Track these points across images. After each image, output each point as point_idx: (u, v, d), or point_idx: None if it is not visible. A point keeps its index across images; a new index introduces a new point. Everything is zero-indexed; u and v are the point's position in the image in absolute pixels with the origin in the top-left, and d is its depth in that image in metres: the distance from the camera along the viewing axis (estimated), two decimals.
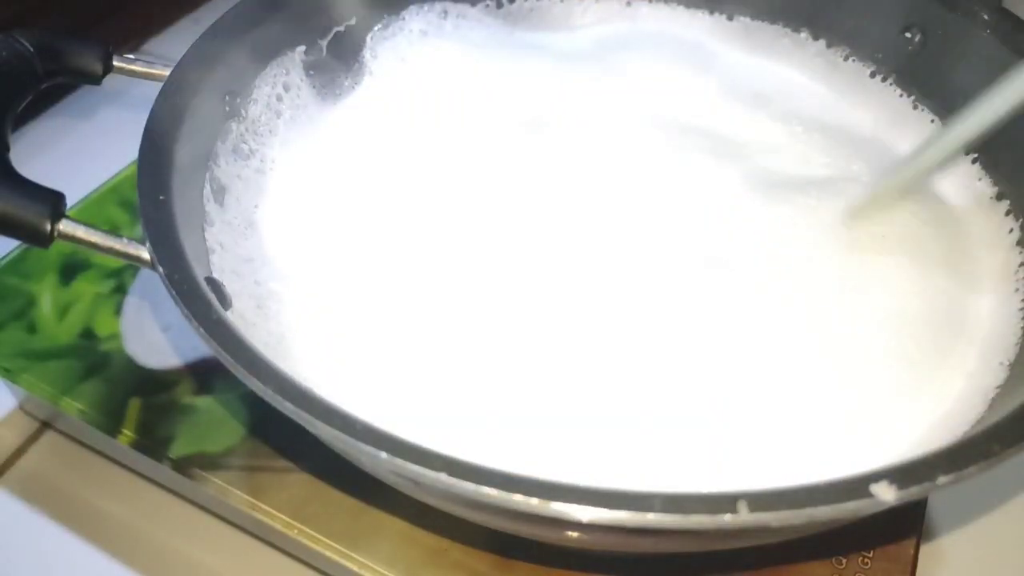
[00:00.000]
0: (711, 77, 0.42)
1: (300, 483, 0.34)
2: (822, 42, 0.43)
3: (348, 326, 0.32)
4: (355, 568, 0.32)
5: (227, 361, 0.25)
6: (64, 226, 0.28)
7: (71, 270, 0.41)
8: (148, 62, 0.35)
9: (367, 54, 0.42)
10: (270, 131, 0.38)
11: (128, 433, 0.36)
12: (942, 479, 0.22)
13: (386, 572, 0.32)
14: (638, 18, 0.46)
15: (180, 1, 0.65)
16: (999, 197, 0.36)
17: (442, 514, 0.28)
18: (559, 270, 0.33)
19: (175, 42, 0.62)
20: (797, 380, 0.31)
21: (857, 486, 0.22)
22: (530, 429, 0.29)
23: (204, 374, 0.37)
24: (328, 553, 0.32)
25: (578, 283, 0.33)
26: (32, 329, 0.39)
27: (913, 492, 0.22)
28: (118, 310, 0.40)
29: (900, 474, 0.22)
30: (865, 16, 0.41)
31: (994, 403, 0.29)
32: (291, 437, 0.35)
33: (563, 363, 0.31)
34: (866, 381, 0.31)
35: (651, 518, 0.21)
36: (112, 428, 0.36)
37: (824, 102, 0.42)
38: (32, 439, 0.40)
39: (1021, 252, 0.34)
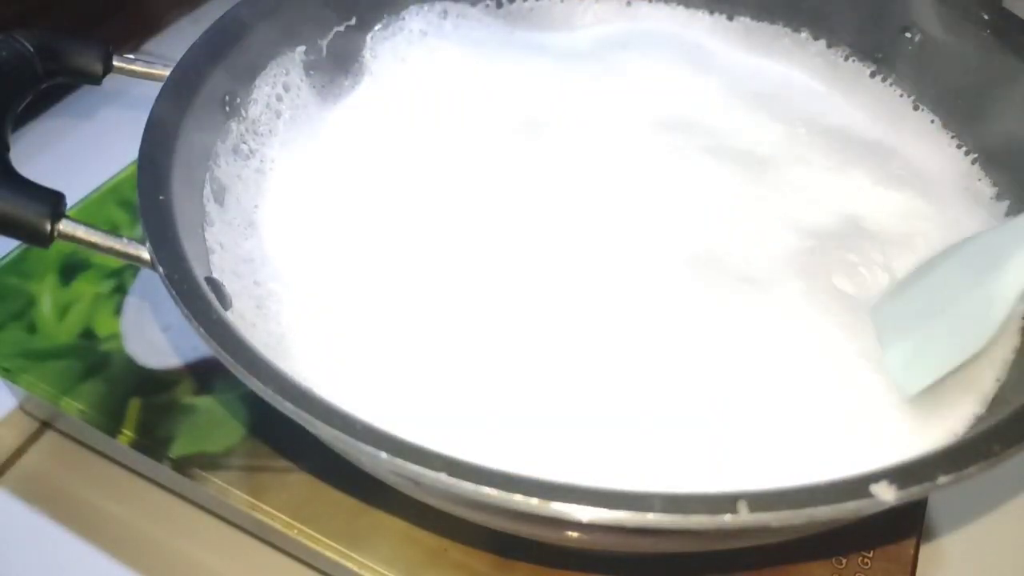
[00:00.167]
0: (711, 77, 0.42)
1: (300, 483, 0.34)
2: (822, 42, 0.43)
3: (348, 326, 0.32)
4: (355, 568, 0.32)
5: (227, 361, 0.25)
6: (64, 226, 0.28)
7: (71, 270, 0.41)
8: (148, 62, 0.35)
9: (367, 54, 0.42)
10: (270, 131, 0.38)
11: (128, 433, 0.36)
12: (942, 479, 0.22)
13: (386, 572, 0.32)
14: (638, 18, 0.46)
15: (180, 1, 0.65)
16: (999, 197, 0.36)
17: (442, 514, 0.28)
18: (559, 269, 0.33)
19: (175, 42, 0.62)
20: (797, 379, 0.31)
21: (857, 486, 0.22)
22: (530, 429, 0.29)
23: (204, 374, 0.37)
24: (328, 553, 0.32)
25: (578, 282, 0.33)
26: (32, 329, 0.39)
27: (913, 492, 0.22)
28: (118, 310, 0.40)
29: (900, 474, 0.22)
30: (865, 16, 0.41)
31: (994, 403, 0.29)
32: (291, 437, 0.35)
33: (563, 363, 0.31)
34: (866, 381, 0.31)
35: (651, 518, 0.21)
36: (112, 428, 0.36)
37: (824, 102, 0.42)
38: (32, 439, 0.40)
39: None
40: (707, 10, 0.45)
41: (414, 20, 0.43)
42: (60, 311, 0.40)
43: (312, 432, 0.24)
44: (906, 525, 0.33)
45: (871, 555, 0.32)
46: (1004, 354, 0.31)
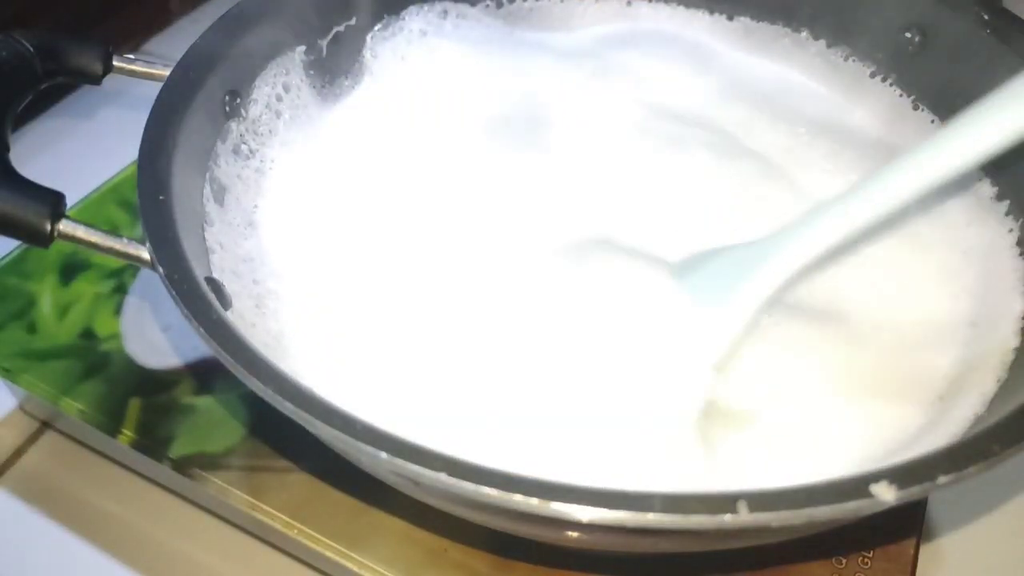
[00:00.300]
0: (712, 77, 0.42)
1: (300, 483, 0.34)
2: (822, 42, 0.43)
3: (348, 326, 0.32)
4: (355, 568, 0.32)
5: (227, 361, 0.25)
6: (64, 226, 0.28)
7: (71, 270, 0.41)
8: (148, 62, 0.35)
9: (367, 54, 0.42)
10: (270, 131, 0.38)
11: (128, 433, 0.36)
12: (942, 479, 0.22)
13: (386, 572, 0.32)
14: (638, 18, 0.46)
15: (180, 1, 0.65)
16: (999, 197, 0.36)
17: (442, 514, 0.28)
18: (560, 268, 0.33)
19: (175, 42, 0.62)
20: (797, 379, 0.31)
21: (857, 486, 0.22)
22: (530, 429, 0.29)
23: (204, 374, 0.37)
24: (328, 553, 0.32)
25: (579, 282, 0.33)
26: (32, 329, 0.39)
27: (913, 492, 0.22)
28: (118, 310, 0.40)
29: (900, 474, 0.22)
30: (865, 16, 0.41)
31: (994, 403, 0.29)
32: (291, 437, 0.35)
33: (563, 363, 0.31)
34: (865, 381, 0.31)
35: (651, 518, 0.21)
36: (112, 428, 0.36)
37: (824, 103, 0.42)
38: (32, 439, 0.40)
39: (1021, 252, 0.34)
40: (707, 10, 0.45)
41: (414, 20, 0.43)
42: (60, 311, 0.40)
43: (312, 432, 0.24)
44: (906, 525, 0.33)
45: (871, 555, 0.32)
46: (1004, 354, 0.31)
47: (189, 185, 0.32)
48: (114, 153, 0.44)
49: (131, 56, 0.35)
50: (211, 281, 0.30)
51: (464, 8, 0.44)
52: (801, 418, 0.30)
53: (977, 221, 0.36)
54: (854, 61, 0.42)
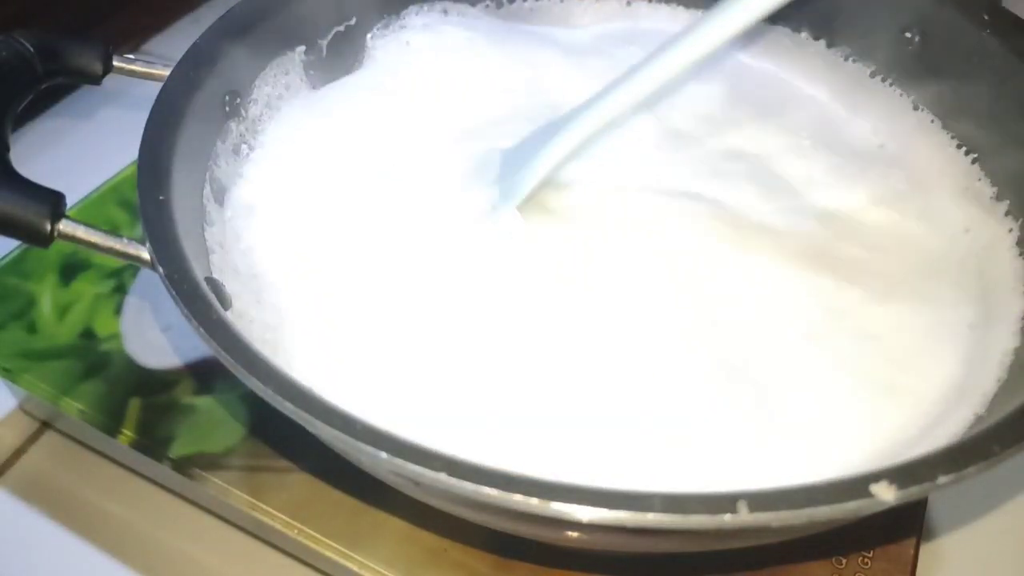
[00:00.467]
0: (713, 76, 0.42)
1: (300, 483, 0.34)
2: (822, 42, 0.43)
3: (348, 325, 0.32)
4: (355, 568, 0.32)
5: (227, 361, 0.25)
6: (64, 226, 0.28)
7: (71, 270, 0.41)
8: (148, 62, 0.35)
9: (367, 54, 0.42)
10: (270, 131, 0.38)
11: (128, 433, 0.36)
12: (942, 479, 0.22)
13: (386, 572, 0.32)
14: (639, 18, 0.46)
15: (180, 1, 0.65)
16: (999, 197, 0.36)
17: (442, 514, 0.28)
18: (561, 268, 0.33)
19: (175, 42, 0.62)
20: (797, 380, 0.31)
21: (857, 486, 0.22)
22: (530, 429, 0.29)
23: (204, 374, 0.37)
24: (328, 553, 0.32)
25: (579, 281, 0.33)
26: (32, 329, 0.39)
27: (913, 492, 0.22)
28: (118, 310, 0.40)
29: (900, 474, 0.22)
30: (865, 16, 0.41)
31: (994, 403, 0.29)
32: (291, 437, 0.35)
33: (563, 362, 0.31)
34: (865, 382, 0.31)
35: (651, 518, 0.21)
36: (112, 428, 0.36)
37: (824, 103, 0.42)
38: (32, 439, 0.40)
39: (1021, 252, 0.34)
40: (707, 10, 0.45)
41: (414, 20, 0.43)
42: (60, 311, 0.40)
43: (312, 432, 0.24)
44: (906, 525, 0.33)
45: (871, 555, 0.32)
46: (1004, 354, 0.31)
47: (189, 185, 0.32)
48: (114, 153, 0.44)
49: (131, 56, 0.35)
50: (211, 281, 0.30)
51: (464, 8, 0.44)
52: (799, 418, 0.30)
53: (977, 221, 0.36)
54: (854, 61, 0.42)
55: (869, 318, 0.33)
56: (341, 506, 0.33)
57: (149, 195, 0.29)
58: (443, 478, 0.22)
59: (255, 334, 0.30)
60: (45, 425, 0.40)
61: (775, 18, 0.44)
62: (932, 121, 0.39)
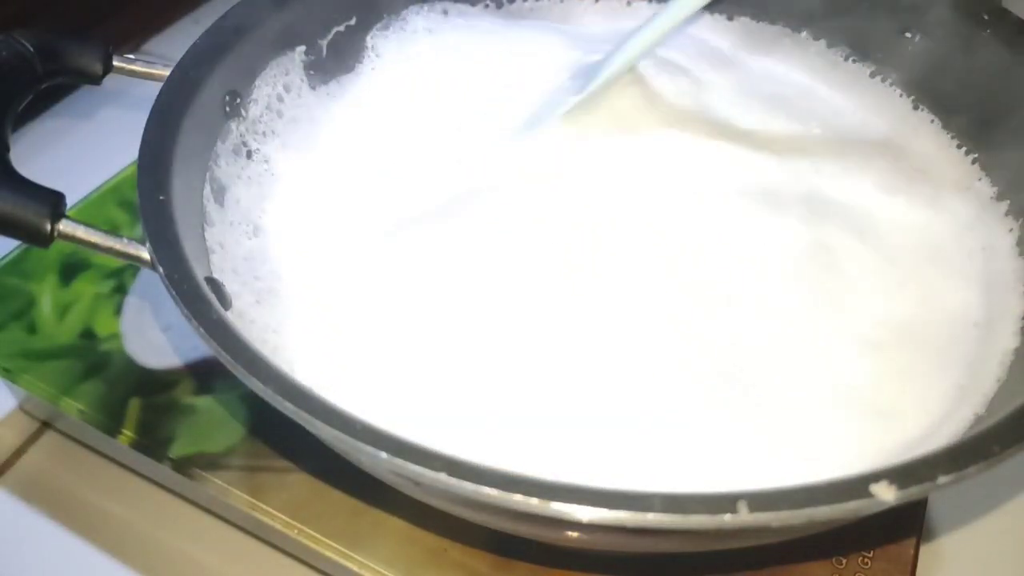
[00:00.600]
0: (713, 75, 0.42)
1: (300, 483, 0.34)
2: (822, 42, 0.43)
3: (348, 326, 0.32)
4: (355, 568, 0.32)
5: (227, 361, 0.25)
6: (64, 226, 0.28)
7: (71, 270, 0.41)
8: (148, 62, 0.35)
9: (367, 54, 0.42)
10: (270, 131, 0.38)
11: (128, 433, 0.36)
12: (942, 479, 0.22)
13: (386, 572, 0.32)
14: (638, 18, 0.46)
15: (180, 1, 0.65)
16: (999, 197, 0.36)
17: (442, 514, 0.28)
18: (561, 268, 0.33)
19: (175, 42, 0.62)
20: (796, 381, 0.31)
21: (857, 486, 0.22)
22: (530, 429, 0.29)
23: (204, 374, 0.37)
24: (328, 553, 0.32)
25: (580, 281, 0.33)
26: (32, 329, 0.39)
27: (913, 492, 0.22)
28: (118, 310, 0.40)
29: (900, 474, 0.22)
30: (865, 16, 0.41)
31: (994, 403, 0.29)
32: (291, 437, 0.35)
33: (563, 362, 0.31)
34: (865, 383, 0.31)
35: (651, 518, 0.21)
36: (112, 428, 0.36)
37: (824, 103, 0.42)
38: (32, 439, 0.40)
39: (1021, 252, 0.34)
40: (707, 10, 0.45)
41: (414, 19, 0.43)
42: (60, 311, 0.40)
43: (312, 432, 0.24)
44: (906, 525, 0.33)
45: (871, 555, 0.32)
46: (1004, 354, 0.31)
47: (189, 185, 0.32)
48: (114, 153, 0.44)
49: (131, 56, 0.35)
50: (211, 281, 0.30)
51: (464, 8, 0.44)
52: (801, 418, 0.30)
53: (977, 221, 0.36)
54: (854, 61, 0.42)
55: (875, 314, 0.32)
56: (341, 506, 0.33)
57: (149, 195, 0.29)
58: (443, 478, 0.22)
59: (255, 334, 0.30)
60: (45, 425, 0.40)
61: (776, 17, 0.44)
62: (932, 121, 0.39)
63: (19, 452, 0.39)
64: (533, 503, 0.21)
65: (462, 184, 0.37)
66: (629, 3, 0.46)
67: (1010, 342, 0.31)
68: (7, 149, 0.30)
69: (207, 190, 0.34)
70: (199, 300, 0.27)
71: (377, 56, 0.42)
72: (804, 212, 0.36)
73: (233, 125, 0.36)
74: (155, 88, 0.33)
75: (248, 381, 0.24)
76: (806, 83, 0.43)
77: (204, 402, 0.37)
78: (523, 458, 0.25)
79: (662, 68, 0.41)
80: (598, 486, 0.22)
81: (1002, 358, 0.31)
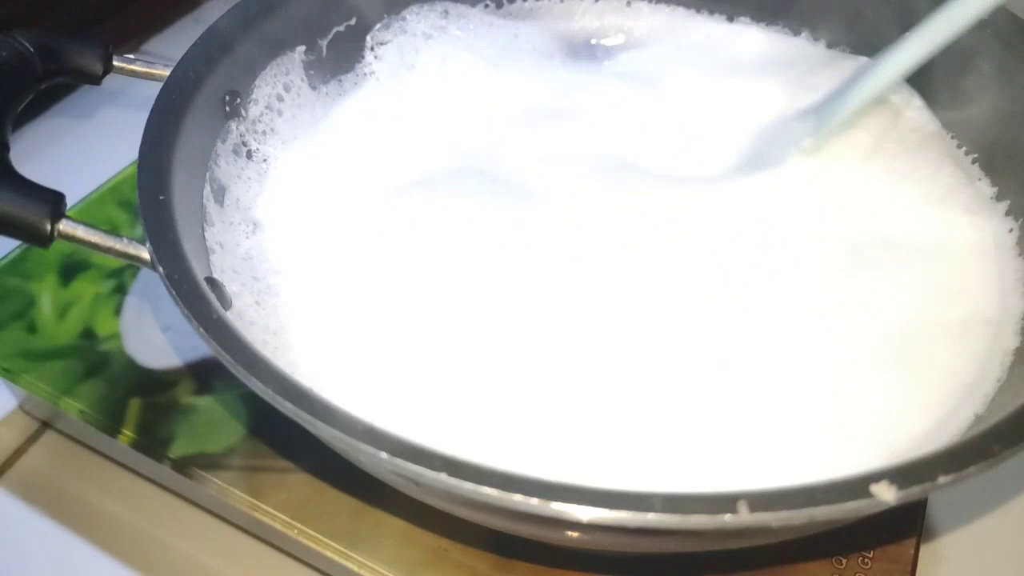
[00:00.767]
0: (715, 76, 0.42)
1: (300, 483, 0.34)
2: (822, 42, 0.43)
3: (348, 326, 0.32)
4: (355, 568, 0.32)
5: (227, 361, 0.25)
6: (64, 226, 0.28)
7: (71, 270, 0.41)
8: (148, 62, 0.35)
9: (367, 54, 0.42)
10: (270, 131, 0.38)
11: (128, 433, 0.36)
12: (942, 479, 0.22)
13: (386, 572, 0.32)
14: (639, 18, 0.46)
15: (180, 1, 0.65)
16: (999, 197, 0.36)
17: (442, 514, 0.28)
18: (561, 267, 0.33)
19: (175, 42, 0.62)
20: (797, 380, 0.31)
21: (857, 486, 0.22)
22: (530, 429, 0.29)
23: (204, 374, 0.37)
24: (328, 553, 0.32)
25: (580, 280, 0.33)
26: (32, 329, 0.39)
27: (913, 492, 0.22)
28: (118, 310, 0.40)
29: (900, 474, 0.22)
30: (865, 17, 0.41)
31: (994, 403, 0.29)
32: (291, 437, 0.35)
33: (564, 363, 0.31)
34: (865, 384, 0.31)
35: (651, 518, 0.21)
36: (112, 428, 0.36)
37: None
38: (32, 439, 0.40)
39: (1021, 252, 0.34)
40: (707, 11, 0.45)
41: (414, 19, 0.43)
42: (60, 311, 0.40)
43: (312, 432, 0.24)
44: (906, 525, 0.33)
45: (871, 555, 0.32)
46: (1004, 355, 0.31)
47: (189, 185, 0.32)
48: (114, 153, 0.44)
49: (131, 56, 0.35)
50: (211, 281, 0.30)
51: (464, 8, 0.44)
52: (805, 418, 0.30)
53: (977, 221, 0.35)
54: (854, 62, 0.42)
55: (885, 310, 0.32)
56: (341, 506, 0.33)
57: (149, 195, 0.29)
58: (443, 478, 0.22)
59: (255, 335, 0.30)
60: (45, 425, 0.40)
61: (775, 18, 0.44)
62: (932, 121, 0.39)
63: (19, 452, 0.39)
64: (533, 503, 0.21)
65: (465, 181, 0.37)
66: (629, 3, 0.46)
67: (1011, 342, 0.31)
68: (7, 149, 0.30)
69: (207, 190, 0.34)
70: (199, 300, 0.27)
71: (377, 56, 0.42)
72: (801, 217, 0.36)
73: (233, 125, 0.36)
74: (155, 88, 0.33)
75: (248, 381, 0.24)
76: (805, 83, 0.43)
77: (204, 402, 0.37)
78: (523, 458, 0.25)
79: (654, 71, 0.41)
80: (598, 486, 0.22)
81: (1002, 358, 0.31)
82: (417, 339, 0.32)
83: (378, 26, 0.42)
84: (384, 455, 0.22)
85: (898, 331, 0.32)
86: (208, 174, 0.34)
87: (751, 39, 0.44)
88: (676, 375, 0.30)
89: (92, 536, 0.36)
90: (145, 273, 0.41)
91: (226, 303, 0.30)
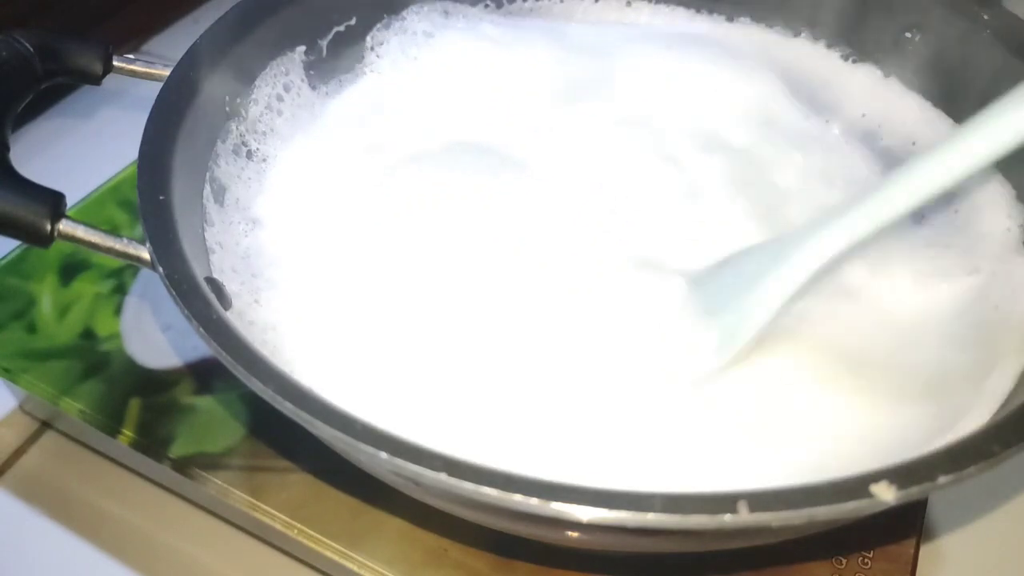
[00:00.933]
0: (714, 74, 0.42)
1: (300, 483, 0.34)
2: (822, 43, 0.43)
3: (349, 325, 0.32)
4: (355, 568, 0.32)
5: (227, 361, 0.25)
6: (64, 226, 0.28)
7: (71, 270, 0.41)
8: (148, 62, 0.35)
9: (367, 54, 0.42)
10: (270, 131, 0.38)
11: (128, 433, 0.36)
12: (942, 479, 0.22)
13: (386, 572, 0.32)
14: (639, 19, 0.46)
15: (180, 1, 0.65)
16: (1003, 196, 0.36)
17: (442, 514, 0.28)
18: (561, 266, 0.33)
19: (175, 42, 0.62)
20: (797, 381, 0.31)
21: (857, 486, 0.22)
22: (530, 429, 0.29)
23: (204, 374, 0.37)
24: (328, 553, 0.32)
25: (579, 279, 0.33)
26: (32, 329, 0.39)
27: (913, 492, 0.22)
28: (118, 310, 0.40)
29: (900, 474, 0.22)
30: (865, 17, 0.41)
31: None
32: (291, 437, 0.35)
33: (564, 362, 0.31)
34: (865, 384, 0.31)
35: (651, 518, 0.21)
36: (112, 428, 0.36)
37: (825, 104, 0.42)
38: (32, 439, 0.40)
39: (1021, 252, 0.34)
40: (707, 11, 0.45)
41: (414, 19, 0.43)
42: (60, 311, 0.40)
43: (312, 432, 0.24)
44: (906, 525, 0.33)
45: (871, 555, 0.32)
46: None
47: (189, 185, 0.32)
48: (114, 153, 0.44)
49: (131, 56, 0.35)
50: (211, 281, 0.30)
51: (464, 8, 0.44)
52: (809, 417, 0.30)
53: (979, 221, 0.35)
54: (854, 62, 0.42)
55: (867, 315, 0.33)
56: (341, 506, 0.33)
57: (149, 195, 0.29)
58: (443, 478, 0.22)
59: (255, 334, 0.30)
60: (45, 425, 0.40)
61: (775, 19, 0.44)
62: (933, 121, 0.39)
63: (19, 452, 0.39)
64: (533, 503, 0.21)
65: (464, 180, 0.37)
66: (629, 3, 0.46)
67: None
68: (7, 149, 0.30)
69: (207, 190, 0.34)
70: (199, 300, 0.27)
71: (377, 56, 0.42)
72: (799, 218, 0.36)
73: (233, 125, 0.36)
74: (155, 88, 0.33)
75: (248, 381, 0.24)
76: (806, 83, 0.43)
77: (204, 402, 0.37)
78: (523, 458, 0.25)
79: (656, 71, 0.41)
80: (598, 486, 0.22)
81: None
82: (417, 338, 0.31)
83: (378, 26, 0.42)
84: (384, 455, 0.22)
85: (894, 336, 0.32)
86: (208, 174, 0.34)
87: (751, 39, 0.44)
88: (675, 376, 0.30)
89: (92, 536, 0.36)
90: (145, 273, 0.41)
91: (226, 303, 0.30)
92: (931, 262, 0.34)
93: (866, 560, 0.32)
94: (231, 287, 0.31)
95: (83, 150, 0.54)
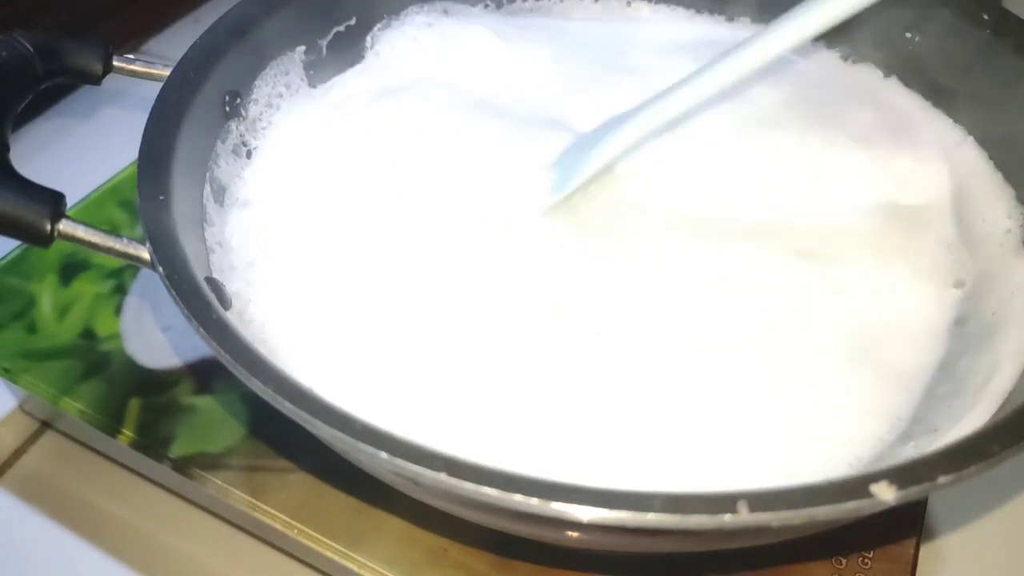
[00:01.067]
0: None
1: (300, 483, 0.34)
2: (822, 43, 0.43)
3: (349, 325, 0.32)
4: (355, 568, 0.32)
5: (227, 361, 0.25)
6: (64, 226, 0.28)
7: (71, 270, 0.41)
8: (148, 62, 0.35)
9: (367, 54, 0.42)
10: (271, 131, 0.38)
11: (128, 433, 0.36)
12: (942, 479, 0.22)
13: (386, 572, 0.32)
14: (639, 18, 0.46)
15: (180, 1, 0.65)
16: (1001, 194, 0.36)
17: (442, 514, 0.28)
18: (561, 266, 0.33)
19: (175, 42, 0.62)
20: (799, 380, 0.31)
21: (857, 486, 0.22)
22: (530, 429, 0.29)
23: (204, 374, 0.37)
24: (328, 553, 0.32)
25: (579, 279, 0.33)
26: (32, 329, 0.39)
27: (913, 492, 0.22)
28: (118, 310, 0.40)
29: (900, 474, 0.22)
30: (865, 17, 0.41)
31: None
32: (291, 437, 0.35)
33: (564, 362, 0.31)
34: (868, 381, 0.31)
35: (651, 518, 0.21)
36: (112, 428, 0.36)
37: (825, 104, 0.42)
38: (32, 439, 0.40)
39: (1021, 252, 0.34)
40: (707, 11, 0.45)
41: (414, 19, 0.43)
42: (60, 311, 0.40)
43: (312, 432, 0.24)
44: (906, 525, 0.33)
45: (871, 555, 0.32)
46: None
47: (189, 185, 0.32)
48: (114, 153, 0.44)
49: (131, 56, 0.35)
50: (211, 281, 0.30)
51: (464, 8, 0.44)
52: (810, 417, 0.30)
53: (978, 221, 0.35)
54: (853, 62, 0.42)
55: (868, 315, 0.33)
56: (341, 506, 0.33)
57: (149, 195, 0.29)
58: (443, 478, 0.22)
59: (255, 334, 0.30)
60: (45, 425, 0.40)
61: (771, 19, 0.44)
62: (933, 122, 0.39)
63: (19, 452, 0.39)
64: (533, 503, 0.21)
65: (464, 180, 0.37)
66: (629, 3, 0.46)
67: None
68: (7, 149, 0.30)
69: (207, 190, 0.34)
70: (199, 300, 0.27)
71: (377, 56, 0.42)
72: (799, 216, 0.36)
73: (233, 125, 0.36)
74: (155, 88, 0.33)
75: (248, 381, 0.24)
76: (806, 84, 0.43)
77: (204, 402, 0.37)
78: (523, 458, 0.25)
79: (655, 70, 0.41)
80: (598, 486, 0.22)
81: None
82: (417, 338, 0.31)
83: (378, 26, 0.42)
84: (384, 455, 0.22)
85: (893, 337, 0.32)
86: (208, 174, 0.34)
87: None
88: (675, 374, 0.30)
89: (92, 536, 0.36)
90: (145, 273, 0.41)
91: (226, 303, 0.30)
92: (931, 262, 0.34)
93: (866, 560, 0.32)
94: (231, 287, 0.31)
95: (83, 150, 0.54)
